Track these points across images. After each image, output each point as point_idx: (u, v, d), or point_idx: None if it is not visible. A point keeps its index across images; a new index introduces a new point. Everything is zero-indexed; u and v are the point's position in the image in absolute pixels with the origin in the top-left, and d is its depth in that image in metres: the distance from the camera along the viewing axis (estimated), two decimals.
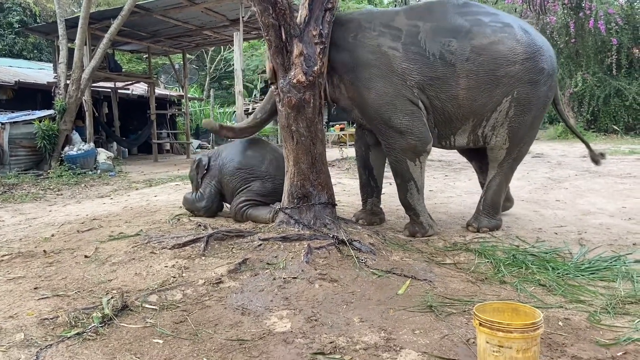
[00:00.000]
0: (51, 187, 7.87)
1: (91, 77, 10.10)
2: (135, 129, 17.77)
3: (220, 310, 2.64)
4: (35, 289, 2.94)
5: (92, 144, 10.18)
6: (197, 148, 20.36)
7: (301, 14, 3.82)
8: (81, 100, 10.25)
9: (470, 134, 4.12)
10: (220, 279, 3.01)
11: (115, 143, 15.03)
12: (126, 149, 16.21)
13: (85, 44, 10.33)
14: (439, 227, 4.31)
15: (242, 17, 9.79)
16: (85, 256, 3.55)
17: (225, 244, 3.63)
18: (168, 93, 19.25)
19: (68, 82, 10.16)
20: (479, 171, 4.87)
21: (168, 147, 19.23)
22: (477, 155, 4.77)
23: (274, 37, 3.66)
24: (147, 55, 16.87)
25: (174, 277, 3.04)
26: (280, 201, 4.20)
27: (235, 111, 27.59)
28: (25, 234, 4.59)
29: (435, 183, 7.22)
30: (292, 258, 3.27)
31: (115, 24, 9.87)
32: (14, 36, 21.15)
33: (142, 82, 16.26)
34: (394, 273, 3.07)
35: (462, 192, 6.25)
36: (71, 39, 10.53)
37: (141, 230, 4.24)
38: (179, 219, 4.67)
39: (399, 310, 2.58)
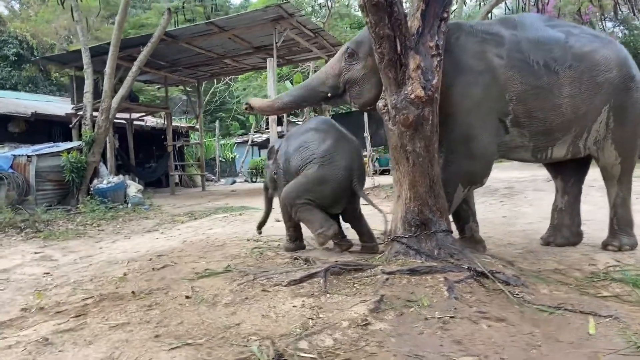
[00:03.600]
0: (88, 222, 7.36)
1: (119, 106, 9.72)
2: (142, 161, 17.41)
3: (390, 357, 2.22)
4: (156, 337, 2.50)
5: (121, 177, 9.71)
6: None
7: (413, 25, 3.53)
8: (109, 130, 9.85)
9: (570, 145, 3.94)
10: (365, 319, 2.58)
11: (128, 175, 14.60)
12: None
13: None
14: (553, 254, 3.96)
15: (276, 43, 9.53)
16: (187, 297, 3.12)
17: (343, 279, 3.23)
18: (178, 124, 19.02)
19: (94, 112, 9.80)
20: (561, 191, 4.49)
21: (177, 180, 18.74)
22: (564, 173, 4.46)
23: (387, 50, 3.35)
24: (159, 86, 16.65)
25: (312, 319, 2.62)
26: (336, 210, 4.18)
27: (235, 142, 27.58)
28: (92, 274, 4.15)
29: (498, 209, 6.88)
30: (432, 294, 2.87)
31: (145, 51, 9.59)
32: (10, 69, 20.87)
33: (158, 113, 15.96)
34: (565, 309, 2.66)
35: (539, 218, 5.88)
36: (95, 70, 10.24)
37: (228, 265, 3.83)
38: (261, 253, 4.27)
39: (610, 354, 2.17)
